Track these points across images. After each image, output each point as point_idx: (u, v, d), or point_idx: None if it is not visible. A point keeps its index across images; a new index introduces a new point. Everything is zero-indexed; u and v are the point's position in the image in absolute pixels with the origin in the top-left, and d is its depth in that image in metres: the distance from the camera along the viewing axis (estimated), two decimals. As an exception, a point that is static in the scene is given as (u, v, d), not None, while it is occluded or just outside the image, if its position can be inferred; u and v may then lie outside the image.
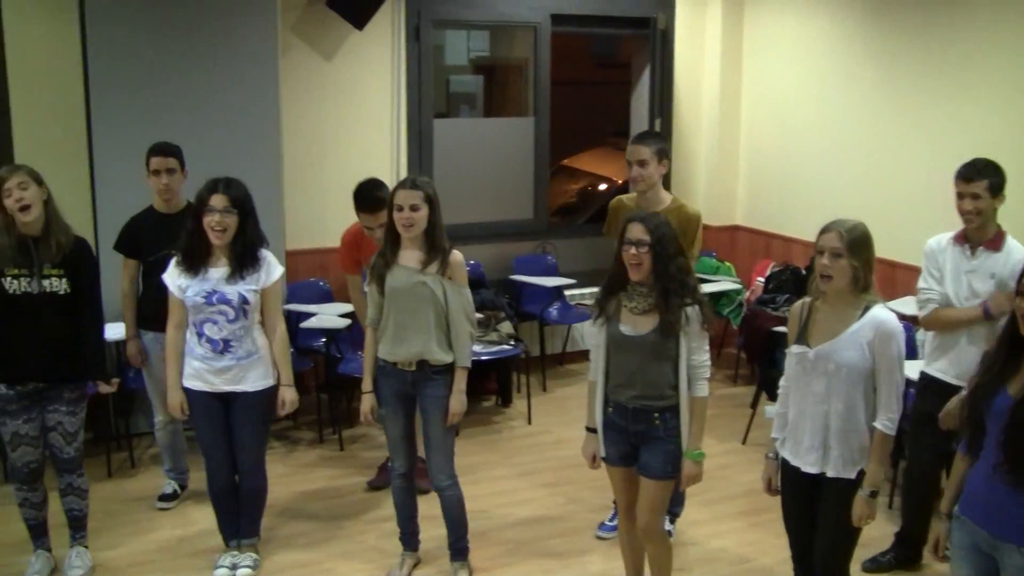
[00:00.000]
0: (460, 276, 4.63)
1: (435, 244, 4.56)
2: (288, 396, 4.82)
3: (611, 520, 5.37)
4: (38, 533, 4.96)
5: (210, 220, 4.55)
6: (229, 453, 4.84)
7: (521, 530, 5.48)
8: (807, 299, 3.98)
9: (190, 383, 4.76)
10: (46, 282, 4.58)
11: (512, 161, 8.18)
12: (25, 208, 4.50)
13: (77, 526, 5.01)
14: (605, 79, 12.04)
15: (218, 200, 4.55)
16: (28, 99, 6.51)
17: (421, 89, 7.55)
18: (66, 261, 4.61)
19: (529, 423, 7.05)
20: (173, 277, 4.71)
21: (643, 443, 4.16)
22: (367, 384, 4.77)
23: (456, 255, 4.62)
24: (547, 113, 8.15)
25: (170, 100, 6.37)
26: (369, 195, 5.38)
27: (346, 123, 7.31)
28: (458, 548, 4.88)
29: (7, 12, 6.38)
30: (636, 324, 4.08)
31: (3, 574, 4.97)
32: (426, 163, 7.56)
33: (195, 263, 4.64)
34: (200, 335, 4.68)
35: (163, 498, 5.75)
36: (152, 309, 5.35)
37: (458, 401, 4.64)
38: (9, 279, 4.55)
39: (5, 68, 6.50)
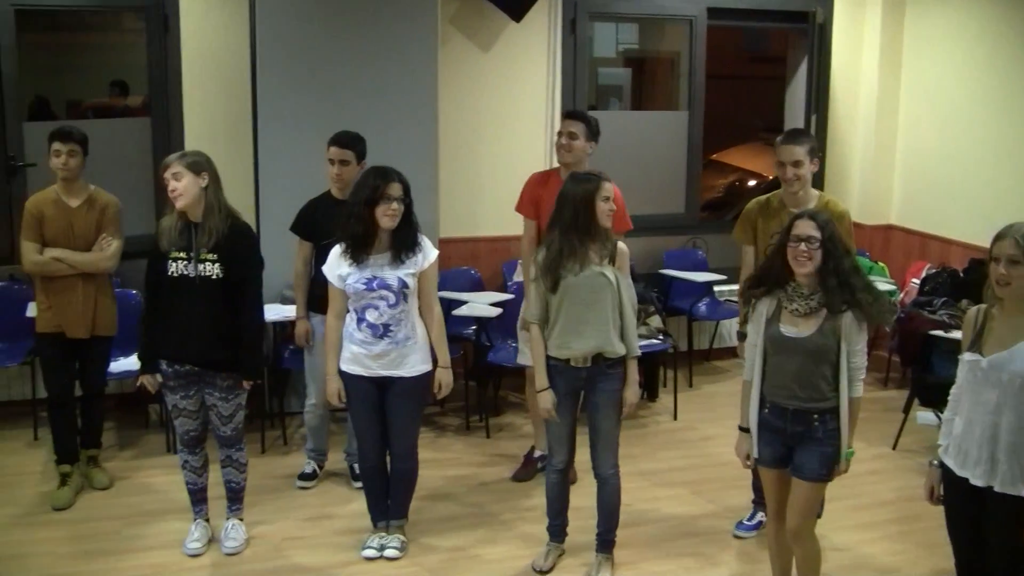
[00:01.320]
0: (625, 267, 4.69)
1: (608, 234, 4.64)
2: (444, 378, 4.92)
3: (750, 520, 5.34)
4: (197, 499, 5.19)
5: (387, 208, 4.66)
6: (382, 436, 4.95)
7: (662, 526, 5.47)
8: (983, 305, 3.85)
9: (347, 367, 4.88)
10: (201, 266, 4.75)
11: (663, 155, 8.15)
12: (176, 197, 4.71)
13: (234, 498, 5.20)
14: (756, 73, 11.89)
15: (396, 189, 4.68)
16: (199, 87, 6.83)
17: (576, 81, 7.57)
18: (220, 247, 4.75)
19: (675, 419, 7.03)
20: (333, 267, 4.82)
21: (799, 444, 4.12)
22: (543, 381, 4.74)
23: (623, 246, 4.67)
24: (701, 108, 8.10)
25: (332, 90, 6.53)
26: None
27: (501, 114, 7.39)
28: (606, 540, 4.90)
29: (184, 2, 6.69)
30: (798, 325, 4.04)
31: (165, 540, 5.20)
32: (579, 156, 7.56)
33: (359, 250, 4.74)
34: (360, 320, 4.79)
35: (303, 477, 5.91)
36: (324, 292, 5.51)
37: (633, 392, 4.70)
38: (171, 261, 4.78)
39: (180, 57, 6.79)
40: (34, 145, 6.73)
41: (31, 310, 6.37)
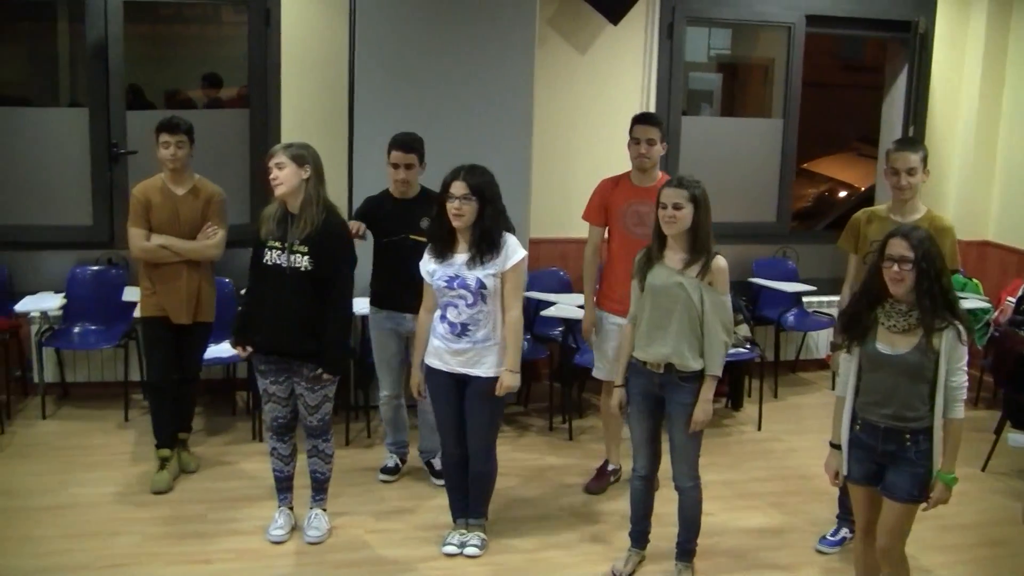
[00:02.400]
0: (721, 283, 4.57)
1: (698, 246, 4.53)
2: (507, 380, 4.81)
3: (833, 535, 5.26)
4: (283, 488, 5.26)
5: (449, 206, 4.69)
6: (461, 431, 4.96)
7: (743, 537, 5.41)
8: None
9: (430, 360, 4.92)
10: (293, 257, 4.82)
11: (756, 162, 8.07)
12: (277, 185, 4.80)
13: (318, 488, 5.26)
14: (847, 82, 11.73)
15: (458, 187, 4.67)
16: (296, 81, 6.91)
17: (671, 86, 7.54)
18: (312, 240, 4.80)
19: (759, 429, 6.96)
20: (424, 262, 4.87)
21: (891, 464, 4.04)
22: (619, 378, 4.81)
23: (719, 261, 4.55)
24: (796, 116, 8.01)
25: (429, 89, 6.57)
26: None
27: (595, 117, 7.38)
28: (686, 549, 4.86)
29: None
30: (894, 343, 3.97)
31: (248, 527, 5.27)
32: (672, 160, 7.53)
33: (442, 247, 4.80)
34: (443, 318, 4.83)
35: (385, 471, 5.94)
36: (383, 288, 5.62)
37: (703, 411, 4.59)
38: (267, 249, 4.88)
39: (279, 51, 6.90)
40: (135, 133, 6.89)
41: (128, 294, 6.54)
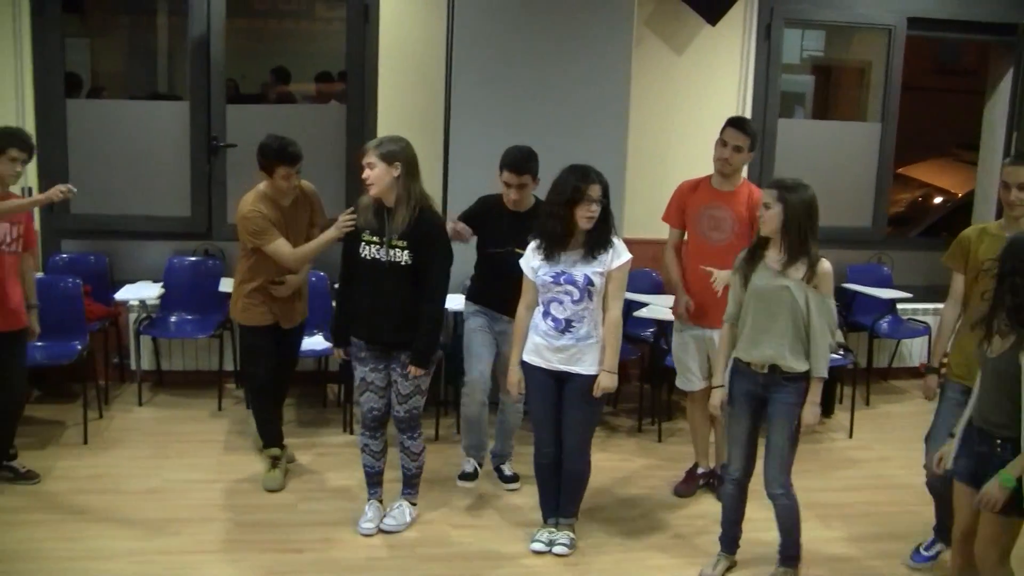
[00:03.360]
0: (826, 286, 4.54)
1: (796, 248, 4.48)
2: (604, 381, 4.81)
3: (927, 549, 5.11)
4: (373, 482, 5.32)
5: (586, 209, 4.67)
6: (557, 430, 4.95)
7: (834, 545, 5.33)
8: None
9: (528, 357, 4.92)
10: (392, 252, 4.89)
11: (852, 166, 7.96)
12: (369, 185, 4.88)
13: (407, 483, 5.34)
14: (944, 86, 11.50)
15: (596, 191, 4.68)
16: (393, 77, 6.97)
17: (768, 88, 7.46)
18: (410, 235, 4.86)
19: (850, 437, 6.86)
20: (528, 259, 4.88)
21: (987, 468, 3.97)
22: (718, 378, 4.79)
23: (825, 265, 4.51)
24: (894, 120, 7.89)
25: (524, 87, 6.61)
26: None
27: (690, 117, 7.33)
28: (787, 555, 4.79)
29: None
30: (994, 345, 3.94)
31: (338, 518, 5.32)
32: (767, 163, 7.47)
33: (554, 247, 4.78)
34: (546, 314, 4.83)
35: (464, 477, 5.71)
36: (482, 288, 5.63)
37: (811, 413, 4.57)
38: (364, 243, 4.95)
39: (377, 47, 6.96)
40: (234, 127, 7.00)
41: (224, 285, 6.64)
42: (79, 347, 6.25)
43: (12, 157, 5.21)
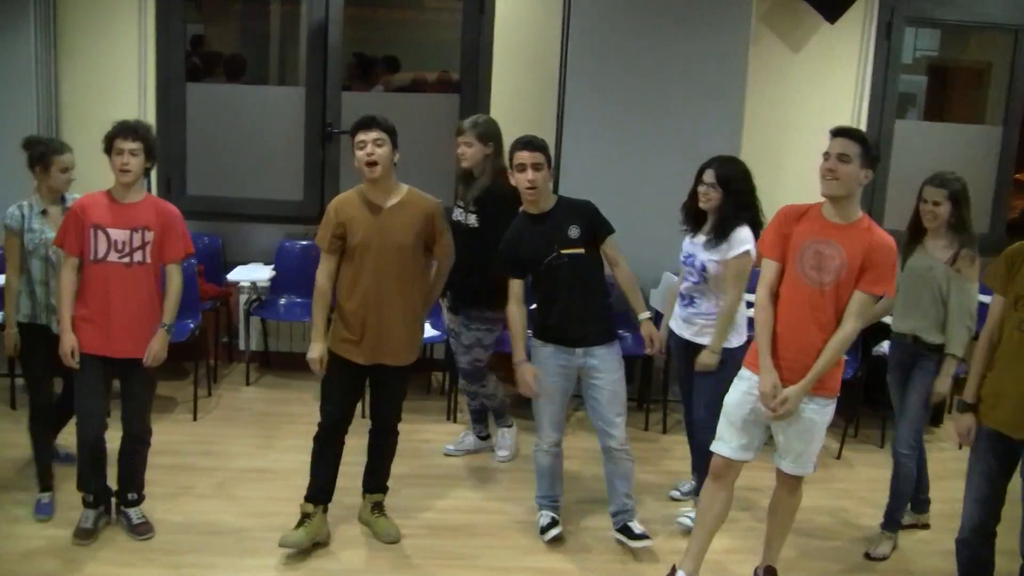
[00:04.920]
0: (966, 270, 4.84)
1: (954, 235, 4.89)
2: (703, 357, 4.98)
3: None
4: (475, 418, 6.13)
5: (700, 191, 4.98)
6: (689, 395, 5.21)
7: (939, 559, 5.12)
8: None
9: (673, 324, 5.22)
10: (468, 216, 5.56)
11: (968, 170, 7.55)
12: (463, 160, 5.53)
13: (497, 416, 6.08)
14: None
15: (708, 175, 4.96)
16: (508, 71, 7.00)
17: (886, 89, 7.32)
18: (480, 200, 5.50)
19: (960, 448, 6.54)
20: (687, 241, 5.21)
21: None
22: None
23: (970, 251, 4.85)
24: (1018, 123, 7.69)
25: (638, 83, 6.59)
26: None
27: (806, 117, 7.21)
28: (892, 519, 5.15)
29: (499, -2, 6.94)
30: None
31: (445, 504, 5.41)
32: (881, 166, 7.29)
33: (691, 224, 5.11)
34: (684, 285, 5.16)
35: (545, 530, 5.10)
36: (547, 319, 5.43)
37: (942, 383, 4.93)
38: (455, 208, 5.64)
39: (492, 39, 6.98)
40: (348, 113, 7.08)
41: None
42: (192, 326, 6.40)
43: (64, 167, 5.00)
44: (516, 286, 4.90)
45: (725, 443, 4.40)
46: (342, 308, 4.78)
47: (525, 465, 5.63)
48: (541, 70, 6.98)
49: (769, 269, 4.37)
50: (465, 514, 5.35)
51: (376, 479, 5.11)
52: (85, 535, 4.79)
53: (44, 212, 5.01)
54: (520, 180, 4.78)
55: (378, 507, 5.11)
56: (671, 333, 5.20)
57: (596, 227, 4.83)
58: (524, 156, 4.75)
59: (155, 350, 4.73)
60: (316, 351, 4.75)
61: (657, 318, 5.71)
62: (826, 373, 4.19)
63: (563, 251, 4.78)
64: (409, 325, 4.84)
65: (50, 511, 5.07)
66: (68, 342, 4.61)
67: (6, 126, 6.66)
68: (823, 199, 4.27)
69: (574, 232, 4.78)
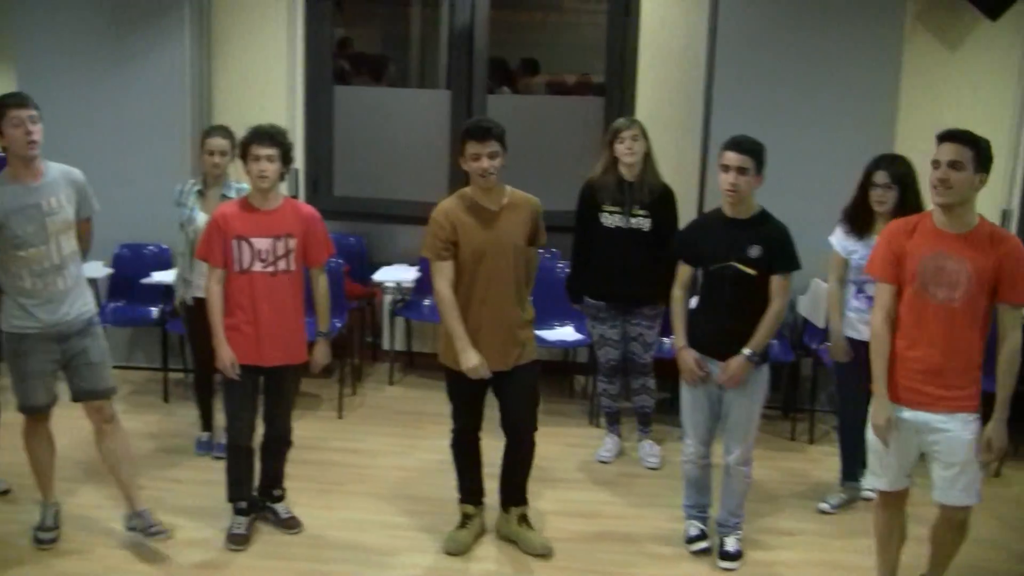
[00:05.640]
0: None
1: None
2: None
3: None
4: (612, 420, 6.11)
5: (872, 194, 5.06)
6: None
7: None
8: None
9: (849, 332, 5.24)
10: (634, 220, 5.57)
11: None
12: (628, 156, 5.53)
13: (644, 421, 6.01)
14: None
15: (880, 176, 5.04)
16: (653, 74, 6.95)
17: (1047, 89, 7.03)
18: (651, 205, 5.56)
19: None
20: (839, 238, 5.25)
21: None
22: None
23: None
24: None
25: (787, 84, 6.53)
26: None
27: (964, 121, 6.82)
28: None
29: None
30: None
31: (581, 508, 5.39)
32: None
33: (858, 229, 5.14)
34: (859, 292, 5.19)
35: (692, 541, 5.00)
36: (699, 329, 5.39)
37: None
38: (606, 214, 5.60)
39: (637, 41, 6.94)
40: (494, 116, 7.08)
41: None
42: (339, 325, 6.50)
43: (211, 150, 5.51)
44: (685, 273, 4.82)
45: (878, 477, 4.27)
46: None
47: (672, 471, 5.59)
48: (687, 72, 6.90)
49: (884, 292, 4.11)
50: (610, 520, 5.31)
51: (517, 491, 4.95)
52: (242, 541, 4.85)
53: (200, 192, 5.60)
54: (722, 181, 4.56)
55: (523, 519, 4.96)
56: (852, 340, 5.19)
57: (775, 257, 4.57)
58: (731, 158, 4.51)
59: (320, 361, 4.88)
60: (474, 358, 4.56)
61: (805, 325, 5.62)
62: (970, 385, 4.02)
63: (735, 264, 4.59)
64: (524, 328, 4.74)
65: (209, 448, 5.85)
66: (227, 356, 4.67)
67: (162, 128, 6.94)
68: (930, 209, 4.08)
69: (754, 252, 4.57)
